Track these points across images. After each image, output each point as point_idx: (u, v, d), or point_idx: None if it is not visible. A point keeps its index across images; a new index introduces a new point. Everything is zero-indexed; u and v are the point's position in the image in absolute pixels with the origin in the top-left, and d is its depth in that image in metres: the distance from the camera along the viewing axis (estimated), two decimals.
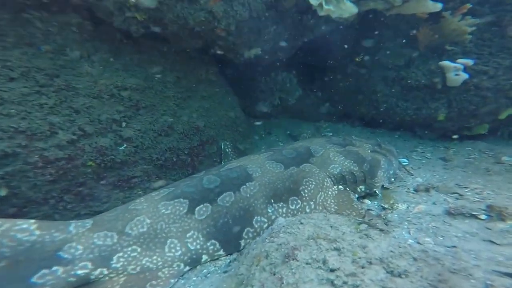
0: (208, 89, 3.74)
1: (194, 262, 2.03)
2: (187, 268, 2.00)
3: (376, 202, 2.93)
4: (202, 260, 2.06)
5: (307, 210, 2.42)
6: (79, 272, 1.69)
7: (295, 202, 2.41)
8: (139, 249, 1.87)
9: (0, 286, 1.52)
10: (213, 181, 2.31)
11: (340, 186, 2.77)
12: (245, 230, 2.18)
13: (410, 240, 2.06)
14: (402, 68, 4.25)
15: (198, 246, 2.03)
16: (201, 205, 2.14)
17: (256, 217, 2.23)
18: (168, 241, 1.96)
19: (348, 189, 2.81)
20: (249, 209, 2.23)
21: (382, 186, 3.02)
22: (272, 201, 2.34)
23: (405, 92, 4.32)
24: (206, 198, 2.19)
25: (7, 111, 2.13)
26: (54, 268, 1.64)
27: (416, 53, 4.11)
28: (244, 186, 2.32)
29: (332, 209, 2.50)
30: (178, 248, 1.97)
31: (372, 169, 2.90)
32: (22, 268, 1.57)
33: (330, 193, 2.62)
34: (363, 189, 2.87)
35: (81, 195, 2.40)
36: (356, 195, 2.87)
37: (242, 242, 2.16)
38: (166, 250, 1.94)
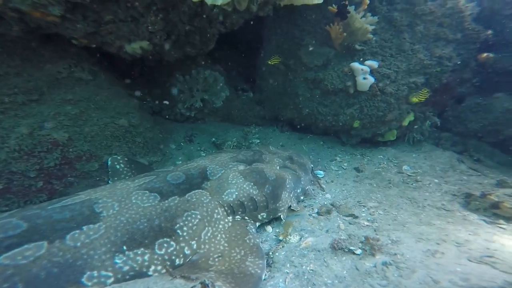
0: (76, 90, 2.92)
1: None
2: None
3: (278, 230, 2.71)
4: None
5: (187, 252, 1.98)
6: None
7: (165, 245, 1.92)
8: None
9: None
10: (11, 228, 1.67)
11: (238, 216, 2.43)
12: None
13: None
14: (320, 69, 3.99)
15: None
16: None
17: (89, 273, 1.68)
18: None
19: (247, 218, 2.50)
20: (75, 263, 1.67)
21: (290, 207, 2.81)
22: (125, 248, 1.81)
23: (323, 96, 4.13)
24: None
25: None
26: None
27: (332, 52, 3.87)
28: (77, 232, 1.75)
29: (221, 247, 2.13)
30: None
31: (275, 191, 2.57)
32: None
33: (221, 227, 2.22)
34: (264, 217, 2.55)
35: None
36: (257, 224, 2.57)
37: None
38: None
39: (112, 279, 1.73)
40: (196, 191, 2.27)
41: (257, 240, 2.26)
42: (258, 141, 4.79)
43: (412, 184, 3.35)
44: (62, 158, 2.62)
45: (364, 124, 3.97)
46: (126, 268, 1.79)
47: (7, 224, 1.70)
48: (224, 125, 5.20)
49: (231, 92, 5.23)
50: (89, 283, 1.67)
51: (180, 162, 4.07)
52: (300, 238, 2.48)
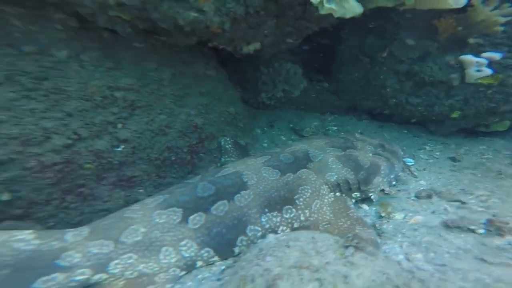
0: (207, 85, 3.61)
1: (189, 267, 2.12)
2: (183, 273, 2.09)
3: (374, 209, 2.87)
4: (197, 265, 2.14)
5: (302, 218, 2.43)
6: (78, 278, 1.81)
7: (289, 211, 2.42)
8: (135, 256, 1.96)
9: None
10: (207, 189, 2.33)
11: (337, 193, 2.73)
12: (239, 238, 2.23)
13: (400, 256, 2.02)
14: (416, 62, 3.86)
15: (193, 254, 2.10)
16: (195, 214, 2.18)
17: (250, 226, 2.27)
18: (163, 249, 2.04)
19: (344, 195, 2.76)
20: (242, 219, 2.26)
21: (383, 190, 2.93)
22: (266, 210, 2.36)
23: (416, 88, 3.98)
24: (199, 208, 2.22)
25: None
26: (54, 275, 1.75)
27: (434, 45, 3.70)
28: (238, 195, 2.33)
29: (327, 217, 2.48)
30: (173, 255, 2.05)
31: (368, 177, 2.82)
32: (23, 275, 1.69)
33: (326, 200, 2.59)
34: (358, 195, 2.86)
35: (83, 195, 2.49)
36: (353, 200, 2.85)
37: (236, 249, 2.24)
38: (161, 257, 2.02)
39: (260, 233, 2.29)
40: (303, 170, 2.64)
41: (359, 214, 2.52)
42: (336, 128, 4.92)
43: None
44: (199, 138, 3.35)
45: (465, 115, 3.73)
46: (267, 225, 2.32)
47: (204, 186, 2.35)
48: (300, 113, 5.48)
49: (307, 82, 5.44)
50: (250, 234, 2.26)
51: (266, 145, 4.53)
52: (405, 216, 2.60)
